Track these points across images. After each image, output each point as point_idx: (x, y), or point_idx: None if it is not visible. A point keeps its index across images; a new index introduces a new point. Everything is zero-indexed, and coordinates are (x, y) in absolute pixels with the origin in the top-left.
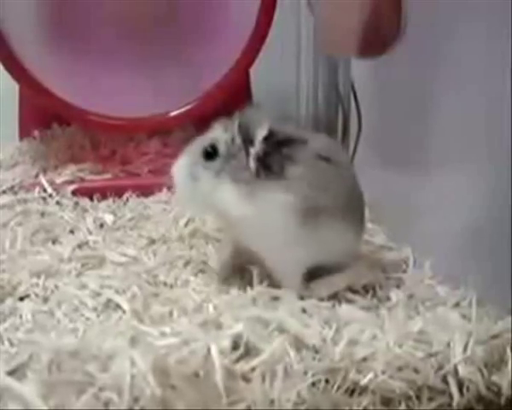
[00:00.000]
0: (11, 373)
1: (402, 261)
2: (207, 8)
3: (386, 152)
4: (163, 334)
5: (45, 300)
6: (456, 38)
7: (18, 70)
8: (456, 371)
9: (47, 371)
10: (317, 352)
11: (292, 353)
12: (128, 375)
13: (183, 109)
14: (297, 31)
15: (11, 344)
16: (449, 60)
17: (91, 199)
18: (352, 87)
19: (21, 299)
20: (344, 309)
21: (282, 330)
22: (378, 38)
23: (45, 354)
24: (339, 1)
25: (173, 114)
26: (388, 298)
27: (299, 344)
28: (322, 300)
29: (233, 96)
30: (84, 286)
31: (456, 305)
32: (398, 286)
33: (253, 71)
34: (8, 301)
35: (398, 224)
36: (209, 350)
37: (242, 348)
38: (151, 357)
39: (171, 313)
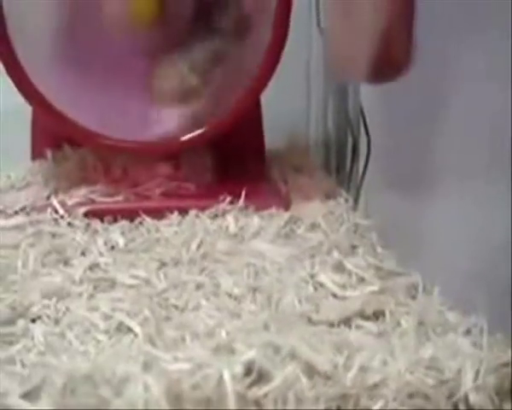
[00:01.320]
0: (25, 396)
1: (412, 287)
2: None
3: (396, 176)
4: (176, 359)
5: (57, 322)
6: (466, 63)
7: (30, 91)
8: (466, 399)
9: (61, 395)
10: (328, 378)
11: (304, 379)
12: (141, 400)
13: (194, 134)
14: (307, 54)
15: (23, 366)
16: (457, 84)
17: (102, 221)
18: (362, 111)
19: (33, 320)
20: (355, 335)
21: (293, 356)
22: (388, 64)
23: (59, 377)
24: (349, 26)
25: (184, 138)
26: (398, 324)
27: (310, 371)
28: (332, 325)
29: (244, 120)
30: (95, 308)
31: (467, 332)
32: (407, 312)
33: (262, 94)
34: (20, 323)
35: (407, 248)
36: (222, 376)
37: (255, 374)
38: (164, 382)
39: (183, 338)
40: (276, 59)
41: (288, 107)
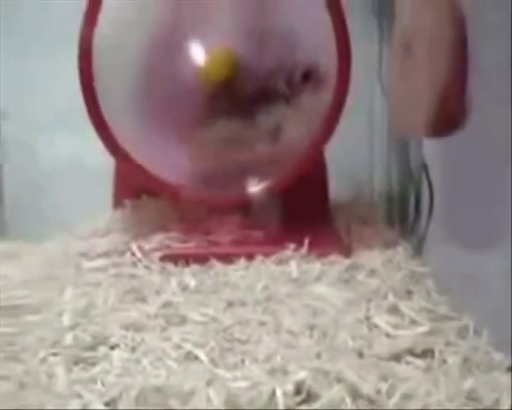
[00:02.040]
0: (105, 405)
1: (463, 329)
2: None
3: (456, 226)
4: (235, 377)
5: (133, 350)
6: None
7: (114, 147)
8: None
9: (135, 404)
10: (372, 402)
11: (348, 400)
12: None
13: (262, 187)
14: (371, 109)
15: (103, 385)
16: None
17: (176, 264)
18: (424, 164)
19: (112, 348)
20: (401, 368)
21: (340, 379)
22: (445, 119)
23: (133, 390)
24: (408, 87)
25: (253, 191)
26: (445, 361)
27: (355, 394)
28: (382, 359)
29: (309, 172)
30: (167, 339)
31: (509, 369)
32: (456, 352)
33: (328, 147)
34: (101, 349)
35: (461, 295)
36: (274, 393)
37: (304, 394)
38: (224, 396)
39: (243, 362)
40: (338, 113)
41: (353, 160)
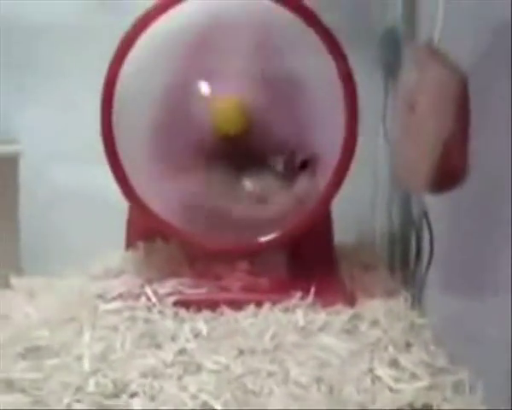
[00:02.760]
0: None
1: (459, 383)
2: (295, 146)
3: (455, 276)
4: None
5: (152, 398)
6: None
7: (129, 191)
8: None
9: None
10: None
11: None
12: None
13: (271, 237)
14: (374, 155)
15: None
16: None
17: (188, 309)
18: (425, 210)
19: (132, 396)
20: None
21: None
22: (448, 176)
23: None
24: (412, 142)
25: (262, 240)
26: None
27: None
28: None
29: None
30: (184, 388)
31: None
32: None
33: None
34: (122, 398)
35: (460, 346)
36: None
37: None
38: None
39: None
40: (346, 168)
41: (356, 204)
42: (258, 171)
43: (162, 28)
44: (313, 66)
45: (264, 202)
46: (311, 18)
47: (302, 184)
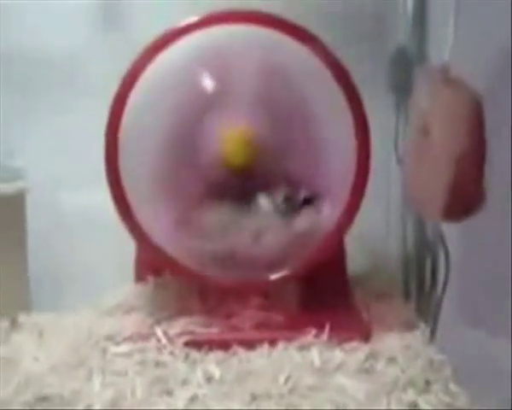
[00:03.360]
0: None
1: None
2: (306, 178)
3: (473, 308)
4: None
5: None
6: None
7: (136, 230)
8: None
9: None
10: None
11: None
12: None
13: (282, 273)
14: (386, 180)
15: None
16: None
17: (200, 350)
18: (441, 235)
19: None
20: None
21: None
22: (463, 203)
23: None
24: (425, 166)
25: (274, 277)
26: None
27: None
28: None
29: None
30: None
31: None
32: None
33: None
34: None
35: (482, 386)
36: None
37: None
38: None
39: None
40: (359, 200)
41: (369, 229)
42: (257, 204)
43: (168, 60)
44: (322, 97)
45: (258, 237)
46: (320, 50)
47: (303, 221)
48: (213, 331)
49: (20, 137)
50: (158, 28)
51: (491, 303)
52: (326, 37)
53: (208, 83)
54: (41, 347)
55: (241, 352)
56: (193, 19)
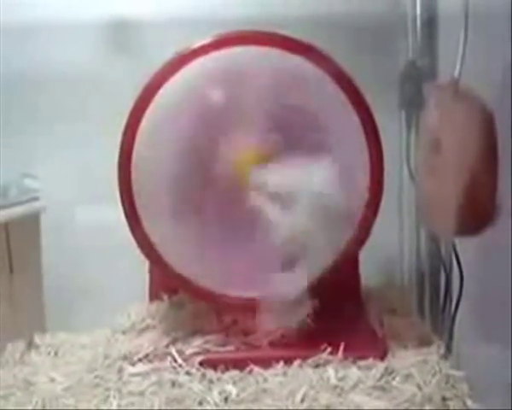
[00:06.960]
0: None
1: None
2: None
3: (489, 323)
4: None
5: None
6: None
7: (150, 250)
8: None
9: None
10: None
11: None
12: None
13: (298, 288)
14: (399, 194)
15: None
16: None
17: (216, 369)
18: (455, 250)
19: None
20: None
21: None
22: (475, 218)
23: None
24: (437, 182)
25: (288, 292)
26: None
27: None
28: None
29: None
30: None
31: None
32: None
33: None
34: None
35: (498, 402)
36: None
37: None
38: None
39: None
40: (371, 220)
41: (382, 246)
42: None
43: (182, 81)
44: (335, 116)
45: None
46: (332, 70)
47: None
48: (229, 350)
49: (34, 159)
50: (171, 50)
51: (506, 318)
52: (337, 54)
53: (221, 103)
54: (57, 367)
55: (257, 370)
56: (206, 40)
